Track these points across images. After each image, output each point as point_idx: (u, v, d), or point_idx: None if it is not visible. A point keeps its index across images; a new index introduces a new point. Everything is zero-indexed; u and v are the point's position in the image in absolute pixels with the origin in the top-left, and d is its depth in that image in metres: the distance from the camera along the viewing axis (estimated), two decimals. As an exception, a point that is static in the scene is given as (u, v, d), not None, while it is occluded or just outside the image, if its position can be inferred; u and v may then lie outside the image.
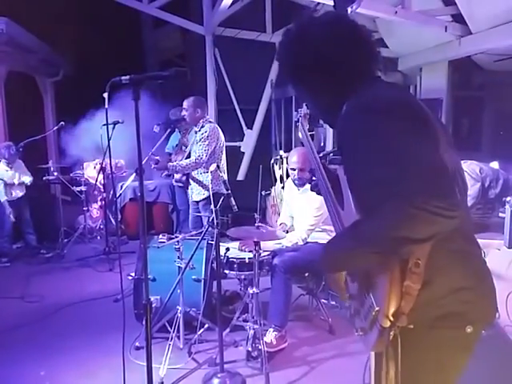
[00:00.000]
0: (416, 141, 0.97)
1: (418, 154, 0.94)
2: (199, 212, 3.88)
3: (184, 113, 3.83)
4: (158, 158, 3.73)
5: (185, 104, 3.83)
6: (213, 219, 2.49)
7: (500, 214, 3.72)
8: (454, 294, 1.05)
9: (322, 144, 6.77)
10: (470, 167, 3.53)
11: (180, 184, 4.92)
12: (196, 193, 3.89)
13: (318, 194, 1.50)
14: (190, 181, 3.93)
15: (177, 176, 4.85)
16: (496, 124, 6.59)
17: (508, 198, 3.20)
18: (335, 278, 1.28)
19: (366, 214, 1.02)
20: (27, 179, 5.04)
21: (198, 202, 3.90)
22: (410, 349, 1.07)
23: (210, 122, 3.90)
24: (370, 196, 0.99)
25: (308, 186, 3.04)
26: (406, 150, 0.95)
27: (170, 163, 3.79)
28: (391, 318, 0.98)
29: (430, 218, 0.88)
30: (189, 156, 3.92)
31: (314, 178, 1.53)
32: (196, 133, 3.86)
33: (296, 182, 3.12)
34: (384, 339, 1.03)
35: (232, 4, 5.69)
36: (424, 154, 0.95)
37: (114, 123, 3.93)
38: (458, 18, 4.67)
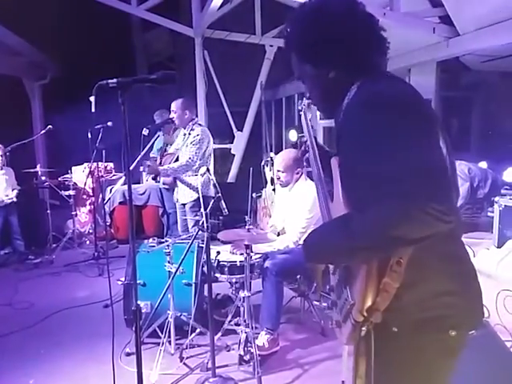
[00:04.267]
0: (421, 139, 0.96)
1: (421, 153, 0.93)
2: (186, 215, 3.85)
3: (172, 115, 3.78)
4: (148, 163, 3.70)
5: (173, 106, 3.79)
6: (202, 222, 2.47)
7: (489, 214, 3.76)
8: (438, 297, 1.04)
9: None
10: (458, 167, 3.57)
11: (166, 186, 4.86)
12: (183, 195, 3.86)
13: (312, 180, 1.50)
14: (178, 183, 3.88)
15: (165, 179, 4.81)
16: (484, 124, 6.67)
17: (496, 198, 3.24)
18: (315, 268, 1.26)
19: (359, 209, 0.97)
20: (14, 193, 4.81)
21: (184, 205, 3.87)
22: (393, 352, 1.07)
23: (200, 124, 3.87)
24: (366, 191, 0.95)
25: (296, 186, 3.08)
26: (410, 148, 0.93)
27: (161, 167, 3.75)
28: (365, 314, 0.98)
29: (428, 220, 0.86)
30: (177, 158, 3.89)
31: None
32: (185, 135, 3.83)
33: (279, 183, 3.19)
34: (356, 334, 1.02)
35: (221, 6, 5.69)
36: (427, 154, 0.94)
37: (103, 126, 3.89)
38: (446, 20, 4.72)
